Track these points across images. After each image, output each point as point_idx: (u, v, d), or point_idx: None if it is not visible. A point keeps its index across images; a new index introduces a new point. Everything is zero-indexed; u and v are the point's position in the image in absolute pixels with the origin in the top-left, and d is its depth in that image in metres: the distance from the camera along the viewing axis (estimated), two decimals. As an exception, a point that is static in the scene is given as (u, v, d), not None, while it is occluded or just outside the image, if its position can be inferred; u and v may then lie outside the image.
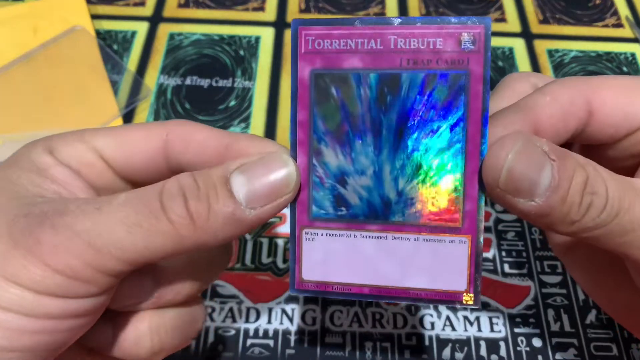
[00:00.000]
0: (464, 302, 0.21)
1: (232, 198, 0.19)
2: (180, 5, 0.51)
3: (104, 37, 0.48)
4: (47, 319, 0.18)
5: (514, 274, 0.36)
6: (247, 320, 0.33)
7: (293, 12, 0.52)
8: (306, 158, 0.21)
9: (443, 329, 0.33)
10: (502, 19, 0.52)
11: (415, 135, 0.20)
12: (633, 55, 0.49)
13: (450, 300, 0.21)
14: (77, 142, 0.22)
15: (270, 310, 0.34)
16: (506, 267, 0.36)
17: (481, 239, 0.20)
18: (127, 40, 0.48)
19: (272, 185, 0.19)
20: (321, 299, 0.34)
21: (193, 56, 0.48)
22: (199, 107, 0.44)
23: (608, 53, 0.50)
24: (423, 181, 0.20)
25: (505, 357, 0.32)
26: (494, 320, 0.34)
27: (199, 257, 0.23)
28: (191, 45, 0.48)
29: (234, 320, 0.33)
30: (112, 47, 0.48)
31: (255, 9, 0.52)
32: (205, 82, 0.46)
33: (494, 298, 0.35)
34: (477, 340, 0.33)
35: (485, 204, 0.39)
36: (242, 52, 0.48)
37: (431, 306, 0.34)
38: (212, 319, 0.33)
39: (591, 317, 0.34)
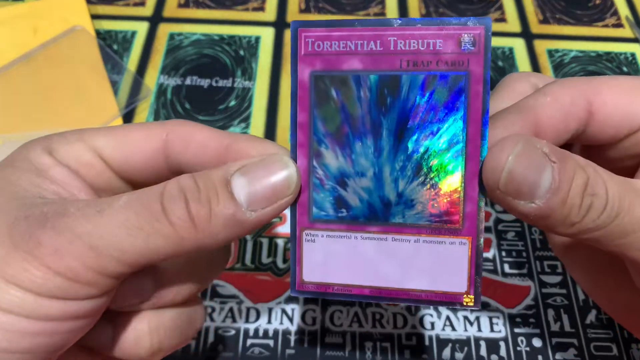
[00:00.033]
0: (465, 304, 0.21)
1: (233, 200, 0.19)
2: (180, 5, 0.51)
3: (104, 37, 0.48)
4: (47, 321, 0.18)
5: (514, 274, 0.36)
6: (247, 320, 0.33)
7: (293, 12, 0.52)
8: (306, 160, 0.21)
9: (443, 329, 0.33)
10: (502, 19, 0.52)
11: (415, 136, 0.20)
12: (633, 55, 0.49)
13: (451, 301, 0.21)
14: (76, 141, 0.22)
15: (270, 310, 0.34)
16: (506, 267, 0.36)
17: (481, 241, 0.20)
18: (127, 40, 0.48)
19: (272, 187, 0.19)
20: (321, 299, 0.34)
21: (193, 56, 0.48)
22: (199, 107, 0.44)
23: (608, 53, 0.50)
24: (423, 183, 0.20)
25: (505, 357, 0.32)
26: (494, 320, 0.34)
27: (199, 258, 0.23)
28: (191, 45, 0.48)
29: (234, 320, 0.33)
30: (112, 47, 0.48)
31: (255, 9, 0.52)
32: (205, 82, 0.46)
33: (494, 298, 0.35)
34: (477, 340, 0.33)
35: (485, 204, 0.39)
36: (242, 52, 0.48)
37: (431, 306, 0.34)
38: (212, 319, 0.33)
39: (591, 317, 0.34)
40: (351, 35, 0.20)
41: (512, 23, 0.52)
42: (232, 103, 0.45)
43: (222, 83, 0.46)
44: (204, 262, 0.24)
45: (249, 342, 0.33)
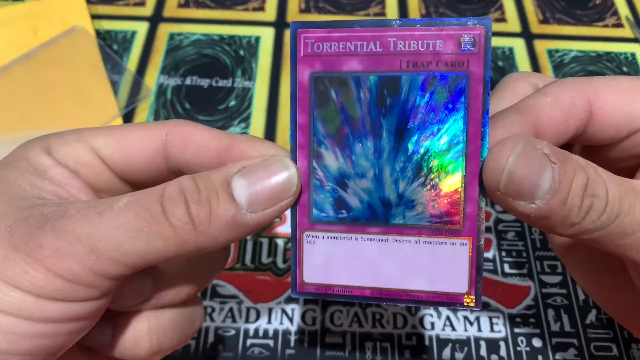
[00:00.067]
0: (465, 304, 0.21)
1: (234, 202, 0.19)
2: (180, 5, 0.51)
3: (104, 37, 0.48)
4: (47, 323, 0.18)
5: (514, 274, 0.36)
6: (247, 320, 0.33)
7: (293, 12, 0.52)
8: (306, 161, 0.21)
9: (443, 329, 0.33)
10: (502, 19, 0.52)
11: (415, 137, 0.20)
12: (633, 55, 0.49)
13: (452, 302, 0.21)
14: (75, 141, 0.21)
15: (270, 310, 0.34)
16: (506, 267, 0.36)
17: (482, 241, 0.20)
18: (127, 40, 0.48)
19: (273, 188, 0.19)
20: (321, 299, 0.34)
21: (193, 56, 0.48)
22: (199, 107, 0.44)
23: (608, 53, 0.50)
24: (423, 183, 0.20)
25: (505, 357, 0.32)
26: (494, 320, 0.34)
27: (199, 258, 0.23)
28: (191, 45, 0.48)
29: (234, 320, 0.33)
30: (112, 47, 0.48)
31: (255, 9, 0.52)
32: (205, 82, 0.46)
33: (494, 298, 0.35)
34: (477, 340, 0.33)
35: (486, 204, 0.39)
36: (242, 52, 0.48)
37: (432, 307, 0.34)
38: (212, 319, 0.33)
39: (591, 317, 0.34)
40: (351, 36, 0.20)
41: (512, 23, 0.52)
42: (232, 103, 0.45)
43: (222, 83, 0.46)
44: (204, 262, 0.24)
45: (249, 342, 0.33)
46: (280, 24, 0.50)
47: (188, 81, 0.46)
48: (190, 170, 0.22)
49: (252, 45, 0.49)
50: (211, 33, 0.49)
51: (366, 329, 0.33)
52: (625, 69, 0.48)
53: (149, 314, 0.22)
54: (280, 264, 0.36)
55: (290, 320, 0.33)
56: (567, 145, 0.24)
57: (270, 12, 0.51)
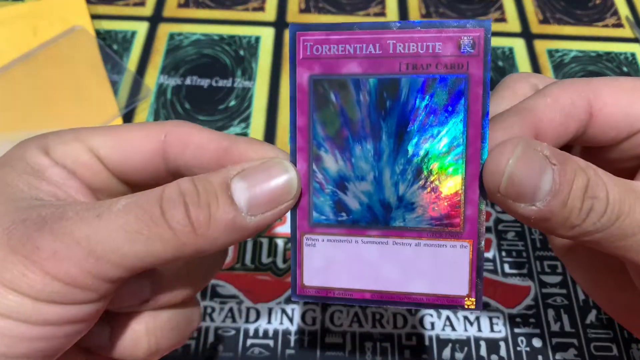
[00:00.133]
0: (466, 307, 0.21)
1: (233, 205, 0.19)
2: (180, 5, 0.51)
3: (104, 37, 0.48)
4: (45, 326, 0.18)
5: (514, 274, 0.36)
6: (247, 320, 0.33)
7: (293, 12, 0.52)
8: (306, 164, 0.21)
9: (443, 329, 0.33)
10: (502, 19, 0.52)
11: (415, 139, 0.20)
12: (633, 55, 0.49)
13: (452, 304, 0.21)
14: (73, 140, 0.21)
15: (270, 310, 0.34)
16: (506, 267, 0.36)
17: (482, 243, 0.20)
18: (127, 40, 0.48)
19: (273, 191, 0.19)
20: (321, 300, 0.34)
21: (193, 56, 0.48)
22: (199, 107, 0.44)
23: (608, 53, 0.49)
24: (423, 186, 0.20)
25: (505, 357, 0.32)
26: (494, 320, 0.34)
27: (197, 260, 0.23)
28: (191, 45, 0.48)
29: (234, 320, 0.33)
30: (112, 47, 0.47)
31: (255, 9, 0.52)
32: (205, 82, 0.46)
33: (494, 298, 0.35)
34: (477, 340, 0.33)
35: (486, 204, 0.39)
36: (242, 52, 0.48)
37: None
38: (212, 319, 0.33)
39: (591, 317, 0.34)
40: (350, 38, 0.20)
41: (512, 23, 0.52)
42: (232, 103, 0.45)
43: (222, 83, 0.46)
44: (202, 264, 0.24)
45: (249, 342, 0.33)
46: (280, 24, 0.50)
47: (188, 81, 0.46)
48: (188, 171, 0.22)
49: (252, 45, 0.49)
50: (211, 33, 0.49)
51: (366, 329, 0.33)
52: (625, 69, 0.48)
53: (146, 315, 0.22)
54: (280, 264, 0.36)
55: (290, 320, 0.33)
56: (567, 147, 0.24)
57: (270, 12, 0.51)
